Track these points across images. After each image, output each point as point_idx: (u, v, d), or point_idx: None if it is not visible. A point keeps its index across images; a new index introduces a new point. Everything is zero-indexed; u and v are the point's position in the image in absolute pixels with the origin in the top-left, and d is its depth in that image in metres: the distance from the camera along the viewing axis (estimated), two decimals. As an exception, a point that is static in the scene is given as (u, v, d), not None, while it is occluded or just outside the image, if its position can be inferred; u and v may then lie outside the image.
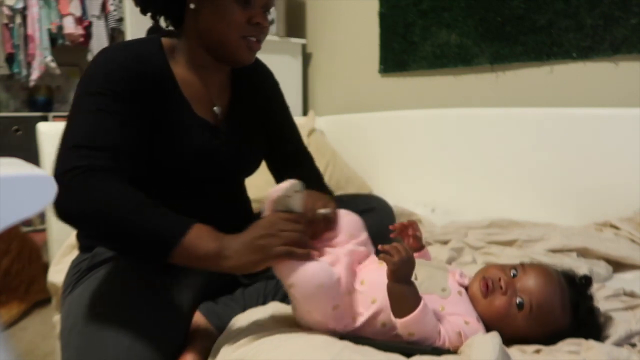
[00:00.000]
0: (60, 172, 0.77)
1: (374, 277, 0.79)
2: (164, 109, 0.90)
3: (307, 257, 0.74)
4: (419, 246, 0.92)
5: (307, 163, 1.16)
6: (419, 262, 0.83)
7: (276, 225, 0.76)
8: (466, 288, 0.82)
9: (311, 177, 1.09)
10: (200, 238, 0.75)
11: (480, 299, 0.78)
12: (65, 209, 0.75)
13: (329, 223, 0.86)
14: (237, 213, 1.05)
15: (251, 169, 1.08)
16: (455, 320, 0.74)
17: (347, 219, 0.88)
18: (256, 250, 0.74)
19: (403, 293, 0.71)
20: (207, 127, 0.96)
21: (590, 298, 0.82)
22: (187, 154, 0.92)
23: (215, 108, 0.98)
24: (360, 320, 0.76)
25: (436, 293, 0.77)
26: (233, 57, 0.93)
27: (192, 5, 0.91)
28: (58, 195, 0.71)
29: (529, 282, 0.78)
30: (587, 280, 0.83)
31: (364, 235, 0.89)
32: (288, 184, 0.80)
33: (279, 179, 1.14)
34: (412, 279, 0.76)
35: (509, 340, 0.75)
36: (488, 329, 0.76)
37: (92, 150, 0.79)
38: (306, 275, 0.73)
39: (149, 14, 0.97)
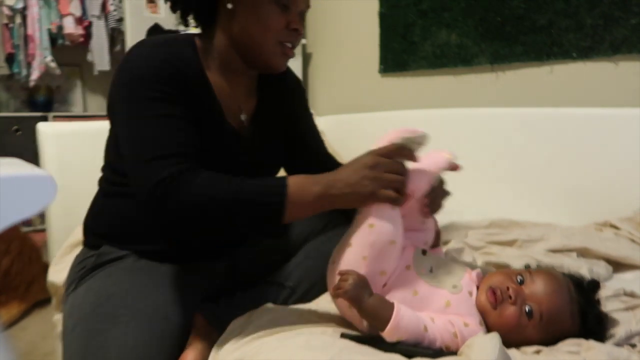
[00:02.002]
0: (153, 184, 0.75)
1: None
2: (200, 110, 0.88)
3: (398, 206, 0.77)
4: (435, 244, 0.92)
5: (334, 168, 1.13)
6: (439, 258, 0.85)
7: (381, 165, 0.76)
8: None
9: None
10: (303, 185, 0.77)
11: (490, 310, 0.75)
12: (174, 211, 0.75)
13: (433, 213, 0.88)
14: None
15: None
16: (454, 320, 0.74)
17: (434, 225, 0.91)
18: (364, 186, 0.75)
19: (372, 308, 0.72)
20: (232, 133, 0.94)
21: (597, 303, 0.81)
22: (211, 157, 0.89)
23: (242, 116, 0.96)
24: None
25: (446, 289, 0.77)
26: (266, 62, 0.90)
27: (229, 6, 0.87)
28: (159, 206, 0.75)
29: (538, 289, 0.76)
30: (594, 286, 0.82)
31: (431, 241, 0.90)
32: (421, 132, 0.81)
33: None
34: (428, 270, 0.78)
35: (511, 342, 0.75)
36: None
37: (173, 158, 0.78)
38: (390, 228, 0.75)
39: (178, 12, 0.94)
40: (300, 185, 0.77)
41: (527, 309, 0.74)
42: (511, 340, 0.73)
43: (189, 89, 0.85)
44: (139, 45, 0.87)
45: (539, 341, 0.75)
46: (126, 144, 0.82)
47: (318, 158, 1.12)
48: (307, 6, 0.93)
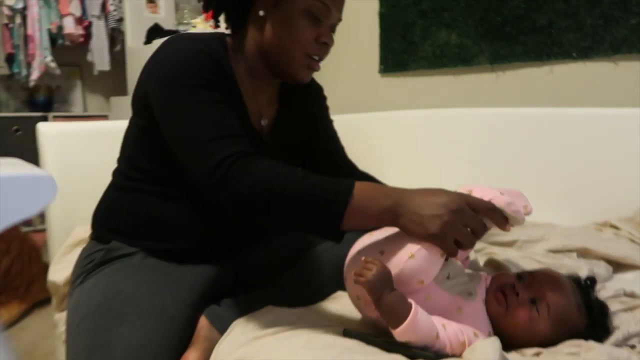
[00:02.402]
0: (215, 164, 0.74)
1: None
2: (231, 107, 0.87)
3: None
4: (465, 257, 0.91)
5: (356, 177, 1.08)
6: (458, 266, 0.82)
7: (463, 215, 0.70)
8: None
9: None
10: (371, 196, 0.72)
11: (503, 314, 0.76)
12: (234, 193, 0.74)
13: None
14: (259, 227, 1.01)
15: None
16: (464, 329, 0.73)
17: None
18: (433, 225, 0.69)
19: (390, 304, 0.70)
20: (255, 137, 0.93)
21: (597, 300, 0.82)
22: None
23: (262, 121, 0.96)
24: None
25: (461, 295, 0.76)
26: (291, 73, 0.90)
27: (261, 12, 0.86)
28: (220, 185, 0.73)
29: (541, 285, 0.77)
30: (592, 282, 0.83)
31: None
32: (522, 217, 0.74)
33: None
34: (445, 277, 0.76)
35: (509, 345, 0.75)
36: (504, 337, 0.75)
37: (232, 138, 0.77)
38: (426, 269, 0.72)
39: (210, 13, 0.94)
40: (369, 192, 0.72)
41: (534, 303, 0.75)
42: (527, 340, 0.74)
43: (225, 84, 0.85)
44: (173, 39, 0.87)
45: (552, 336, 0.75)
46: (175, 129, 0.80)
47: (338, 164, 1.11)
48: (339, 19, 0.92)
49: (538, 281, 0.78)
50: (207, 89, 0.81)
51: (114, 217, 0.97)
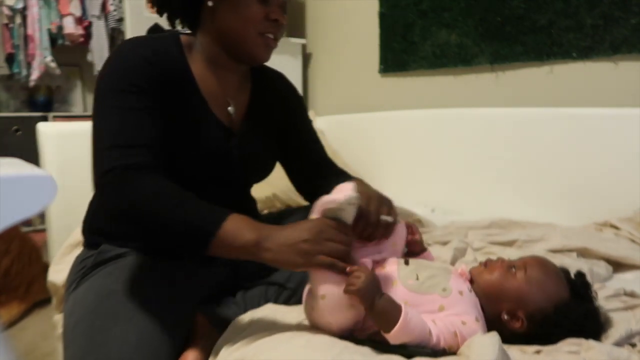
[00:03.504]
0: (100, 175, 0.79)
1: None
2: (182, 105, 0.90)
3: (345, 273, 0.73)
4: (420, 249, 0.92)
5: (333, 174, 1.11)
6: (421, 262, 0.84)
7: (324, 233, 0.73)
8: (471, 282, 0.84)
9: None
10: (238, 228, 0.74)
11: (482, 271, 0.84)
12: (110, 209, 0.79)
13: (388, 230, 0.83)
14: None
15: (260, 175, 1.07)
16: (452, 320, 0.74)
17: (400, 230, 0.88)
18: (298, 253, 0.72)
19: (381, 310, 0.71)
20: (221, 127, 0.95)
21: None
22: (200, 152, 0.92)
23: (229, 108, 0.98)
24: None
25: (437, 293, 0.77)
26: (250, 54, 0.92)
27: (210, 3, 0.90)
28: (102, 196, 0.78)
29: (523, 260, 0.85)
30: (581, 275, 0.86)
31: (402, 246, 0.88)
32: (343, 196, 0.76)
33: (304, 192, 1.12)
34: (414, 279, 0.77)
35: (509, 339, 0.75)
36: (489, 303, 0.79)
37: (126, 149, 0.80)
38: (340, 294, 0.72)
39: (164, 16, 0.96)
40: (237, 225, 0.74)
41: (512, 267, 0.82)
42: (505, 293, 0.79)
43: (169, 83, 0.88)
44: (123, 43, 0.91)
45: (531, 295, 0.79)
46: (92, 130, 0.84)
47: (314, 159, 1.12)
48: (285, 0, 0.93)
49: (523, 260, 0.85)
50: (131, 94, 0.83)
51: (100, 221, 0.98)
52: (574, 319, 0.77)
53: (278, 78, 1.11)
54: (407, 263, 0.82)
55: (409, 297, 0.75)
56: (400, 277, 0.79)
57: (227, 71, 0.97)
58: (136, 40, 0.91)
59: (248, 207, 1.10)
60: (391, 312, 0.71)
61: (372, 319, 0.73)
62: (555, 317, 0.77)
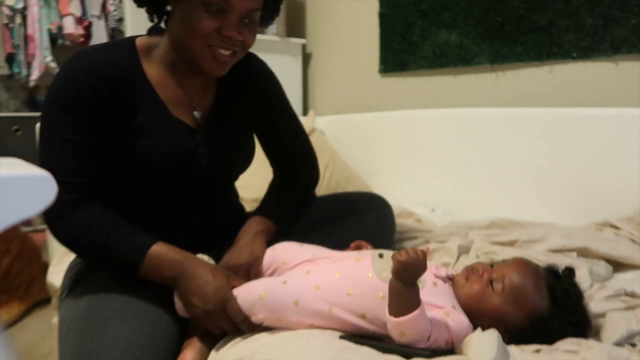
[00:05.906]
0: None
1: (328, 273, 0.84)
2: (136, 111, 0.88)
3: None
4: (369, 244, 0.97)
5: (297, 167, 1.12)
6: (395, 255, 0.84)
7: (215, 317, 0.82)
8: (451, 279, 0.85)
9: (292, 186, 1.10)
10: (156, 266, 0.84)
11: (463, 283, 0.83)
12: (55, 237, 0.88)
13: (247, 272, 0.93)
14: (221, 215, 1.03)
15: (235, 170, 1.04)
16: (438, 317, 0.75)
17: (277, 253, 0.95)
18: (196, 311, 0.83)
19: (402, 293, 0.71)
20: (183, 129, 0.92)
21: (571, 284, 0.83)
22: (161, 156, 0.89)
23: (195, 112, 0.95)
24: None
25: None
26: (198, 65, 0.88)
27: (169, 7, 0.89)
28: (48, 225, 0.86)
29: (504, 268, 0.83)
30: (569, 272, 0.86)
31: (306, 254, 0.92)
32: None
33: (276, 174, 1.13)
34: (389, 271, 0.76)
35: (508, 338, 0.75)
36: (469, 316, 0.79)
37: (64, 184, 0.76)
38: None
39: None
40: (157, 258, 0.84)
41: (491, 281, 0.82)
42: (483, 312, 0.79)
43: (117, 91, 0.85)
44: (74, 55, 0.87)
45: (508, 311, 0.78)
46: (38, 146, 0.87)
47: (290, 152, 1.11)
48: (251, 9, 0.85)
49: (503, 266, 0.84)
50: (72, 125, 0.84)
51: None
52: (550, 329, 0.77)
53: (251, 66, 1.03)
54: (381, 256, 0.84)
55: (384, 289, 0.75)
56: (375, 270, 0.80)
57: (189, 75, 0.93)
58: (83, 52, 0.87)
59: (227, 203, 1.08)
60: (408, 301, 0.71)
61: (391, 294, 0.73)
62: (532, 330, 0.77)
